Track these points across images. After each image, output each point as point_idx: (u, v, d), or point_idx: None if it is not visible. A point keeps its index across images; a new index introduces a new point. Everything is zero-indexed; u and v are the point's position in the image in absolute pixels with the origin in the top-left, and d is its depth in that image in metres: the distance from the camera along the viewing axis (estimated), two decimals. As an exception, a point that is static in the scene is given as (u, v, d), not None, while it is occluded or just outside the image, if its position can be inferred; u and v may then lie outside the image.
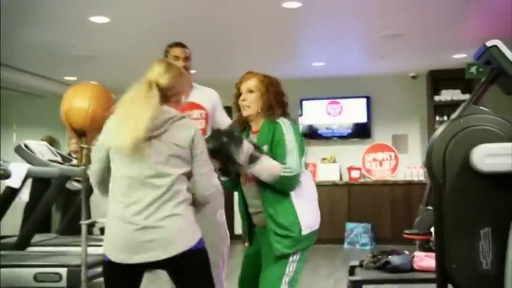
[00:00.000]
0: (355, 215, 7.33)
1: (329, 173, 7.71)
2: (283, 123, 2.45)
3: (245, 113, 2.51)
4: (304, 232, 2.41)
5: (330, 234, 7.29)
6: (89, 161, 2.78)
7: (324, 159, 7.89)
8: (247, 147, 2.34)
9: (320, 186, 7.39)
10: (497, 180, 2.43)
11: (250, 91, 2.47)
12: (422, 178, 7.22)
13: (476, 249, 2.51)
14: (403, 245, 4.73)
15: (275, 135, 2.41)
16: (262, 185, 2.41)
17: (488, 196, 2.51)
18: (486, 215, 2.53)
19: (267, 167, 2.35)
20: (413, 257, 3.85)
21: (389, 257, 3.85)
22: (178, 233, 2.07)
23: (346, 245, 7.18)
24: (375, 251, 4.52)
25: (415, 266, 3.71)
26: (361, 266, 3.93)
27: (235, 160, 2.33)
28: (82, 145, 3.00)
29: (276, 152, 2.40)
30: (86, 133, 2.92)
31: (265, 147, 2.43)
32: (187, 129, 2.15)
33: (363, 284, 3.44)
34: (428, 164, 2.77)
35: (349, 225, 7.26)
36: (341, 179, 7.73)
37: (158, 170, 2.07)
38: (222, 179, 2.56)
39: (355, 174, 7.72)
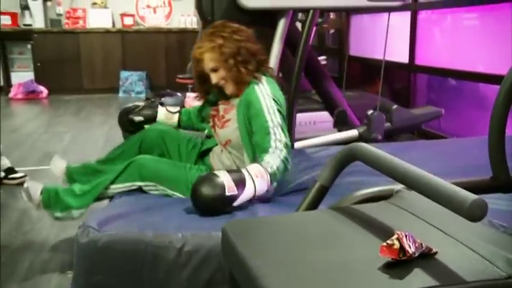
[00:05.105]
0: (129, 63, 7.20)
1: (101, 20, 7.27)
2: (258, 86, 1.90)
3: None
4: None
5: (104, 83, 7.12)
6: None
7: (94, 3, 7.36)
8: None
9: (92, 33, 7.08)
10: (259, 16, 2.60)
11: (214, 70, 1.96)
12: (195, 26, 7.33)
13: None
14: (177, 91, 4.90)
15: (250, 107, 1.89)
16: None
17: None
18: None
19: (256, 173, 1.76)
20: (185, 97, 4.05)
21: (163, 98, 3.97)
22: None
23: (121, 94, 7.11)
24: (149, 96, 4.59)
25: (187, 106, 3.91)
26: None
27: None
28: None
29: (256, 128, 1.87)
30: None
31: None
32: None
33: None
34: (199, 4, 2.81)
35: (124, 74, 7.15)
36: (114, 25, 7.38)
37: None
38: None
39: (128, 21, 7.44)
